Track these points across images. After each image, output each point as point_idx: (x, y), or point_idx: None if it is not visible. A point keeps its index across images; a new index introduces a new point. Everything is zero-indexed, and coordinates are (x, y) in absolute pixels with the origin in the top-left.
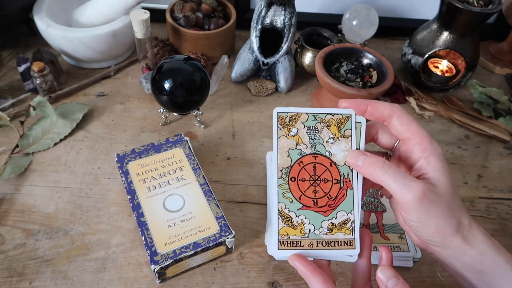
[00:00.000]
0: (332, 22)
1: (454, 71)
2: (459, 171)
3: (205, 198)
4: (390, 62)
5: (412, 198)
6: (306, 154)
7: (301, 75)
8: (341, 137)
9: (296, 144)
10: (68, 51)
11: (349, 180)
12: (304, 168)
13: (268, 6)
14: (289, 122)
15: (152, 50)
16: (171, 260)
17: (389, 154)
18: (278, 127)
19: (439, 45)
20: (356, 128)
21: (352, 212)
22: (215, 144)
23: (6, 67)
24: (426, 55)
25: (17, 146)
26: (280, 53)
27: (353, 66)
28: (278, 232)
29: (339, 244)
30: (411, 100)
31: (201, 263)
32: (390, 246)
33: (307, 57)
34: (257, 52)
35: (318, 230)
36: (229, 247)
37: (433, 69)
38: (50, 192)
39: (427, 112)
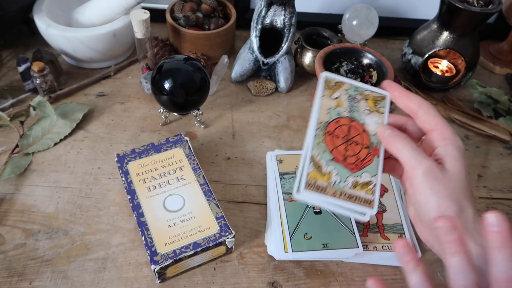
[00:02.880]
0: (332, 22)
1: (454, 71)
2: None
3: (205, 198)
4: (390, 62)
5: (420, 171)
6: (344, 116)
7: (301, 75)
8: (375, 111)
9: (337, 106)
10: (68, 51)
11: (377, 149)
12: (340, 127)
13: (268, 6)
14: (334, 86)
15: (152, 50)
16: (171, 260)
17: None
18: (324, 87)
19: (439, 45)
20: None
21: (376, 176)
22: (215, 144)
23: (6, 67)
24: (426, 55)
25: (17, 146)
26: (280, 53)
27: (353, 66)
28: (307, 174)
29: (360, 201)
30: None
31: (201, 263)
32: (390, 246)
33: (307, 57)
34: (257, 52)
35: (343, 182)
36: (229, 247)
37: (433, 69)
38: (50, 192)
39: None
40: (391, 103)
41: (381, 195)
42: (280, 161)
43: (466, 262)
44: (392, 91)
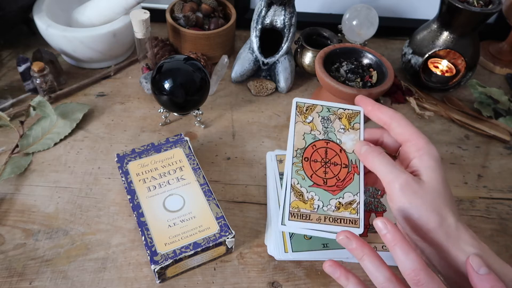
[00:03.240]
0: (332, 22)
1: (454, 71)
2: (459, 171)
3: (205, 198)
4: (390, 62)
5: (397, 185)
6: (319, 139)
7: (301, 75)
8: (350, 128)
9: (311, 130)
10: (68, 51)
11: (357, 166)
12: (317, 151)
13: (268, 6)
14: (305, 110)
15: (152, 50)
16: (171, 260)
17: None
18: (296, 114)
19: (439, 45)
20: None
21: (358, 194)
22: (215, 144)
23: (6, 67)
24: (426, 55)
25: (17, 146)
26: (280, 53)
27: (353, 66)
28: (290, 204)
29: (345, 222)
30: (411, 100)
31: (201, 263)
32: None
33: (307, 57)
34: (257, 52)
35: (326, 206)
36: (229, 247)
37: (433, 69)
38: (50, 192)
39: (427, 112)
40: (365, 117)
41: (381, 195)
42: (280, 161)
43: (376, 260)
44: (365, 105)
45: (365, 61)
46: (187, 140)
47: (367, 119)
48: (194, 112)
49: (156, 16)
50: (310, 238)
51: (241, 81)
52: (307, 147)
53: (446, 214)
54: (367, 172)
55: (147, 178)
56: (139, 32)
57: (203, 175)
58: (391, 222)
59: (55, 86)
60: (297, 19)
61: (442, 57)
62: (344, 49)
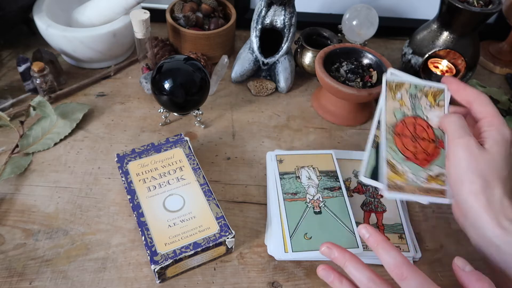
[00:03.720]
0: (332, 22)
1: (454, 71)
2: None
3: (205, 198)
4: (390, 62)
5: (459, 144)
6: (408, 116)
7: (301, 75)
8: (436, 105)
9: (400, 106)
10: (68, 51)
11: (442, 141)
12: (407, 127)
13: (268, 6)
14: (395, 87)
15: (152, 50)
16: (171, 260)
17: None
18: (386, 90)
19: (439, 45)
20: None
21: (445, 167)
22: (215, 144)
23: (6, 67)
24: (426, 55)
25: (17, 146)
26: (280, 53)
27: (353, 66)
28: (387, 177)
29: (435, 193)
30: None
31: (201, 263)
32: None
33: (307, 57)
34: (257, 52)
35: (419, 179)
36: (229, 247)
37: (433, 69)
38: (50, 192)
39: None
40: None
41: (381, 195)
42: (280, 161)
43: (357, 263)
44: (450, 83)
45: (365, 61)
46: (187, 140)
47: (452, 99)
48: (194, 112)
49: (156, 16)
50: (310, 238)
51: (241, 81)
52: (398, 123)
53: (494, 184)
54: None
55: (147, 178)
56: (139, 32)
57: (203, 175)
58: (371, 227)
59: (55, 86)
60: (297, 19)
61: (442, 57)
62: (344, 49)
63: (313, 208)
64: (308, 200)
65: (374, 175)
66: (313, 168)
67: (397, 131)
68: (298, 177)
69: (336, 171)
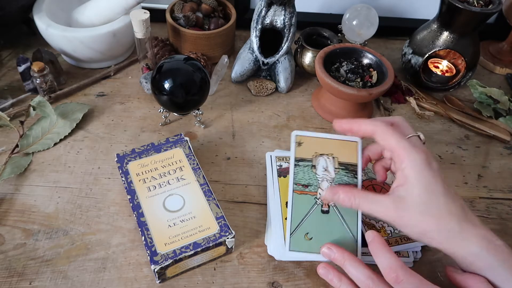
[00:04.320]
0: (332, 22)
1: (454, 71)
2: (459, 171)
3: (205, 198)
4: (390, 62)
5: (389, 214)
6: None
7: (301, 75)
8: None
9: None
10: (68, 51)
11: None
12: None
13: (268, 6)
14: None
15: (152, 50)
16: (171, 260)
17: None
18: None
19: (439, 45)
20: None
21: None
22: (215, 144)
23: (6, 67)
24: (426, 55)
25: (17, 146)
26: (280, 53)
27: (353, 66)
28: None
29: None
30: (411, 100)
31: (201, 263)
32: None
33: (307, 57)
34: (257, 52)
35: (397, 229)
36: (229, 247)
37: (433, 69)
38: (50, 192)
39: (427, 112)
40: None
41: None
42: (299, 144)
43: (355, 262)
44: (341, 129)
45: (365, 61)
46: (187, 140)
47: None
48: (194, 112)
49: (156, 16)
50: (311, 239)
51: (241, 81)
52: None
53: (446, 218)
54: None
55: (147, 178)
56: (139, 32)
57: (203, 175)
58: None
59: (55, 86)
60: (297, 19)
61: (442, 57)
62: (344, 49)
63: (322, 206)
64: (318, 196)
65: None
66: (333, 158)
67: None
68: (314, 166)
69: (357, 165)
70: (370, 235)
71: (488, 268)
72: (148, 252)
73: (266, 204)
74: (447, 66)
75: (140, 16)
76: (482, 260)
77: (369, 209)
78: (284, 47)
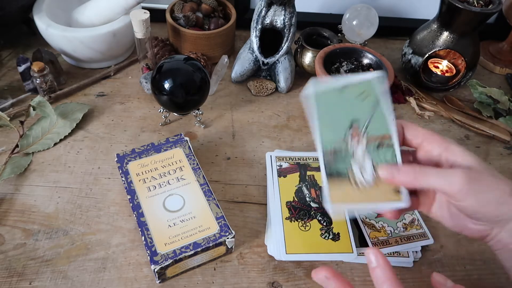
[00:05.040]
0: (332, 22)
1: (454, 71)
2: None
3: (205, 198)
4: (390, 62)
5: (461, 183)
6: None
7: (301, 75)
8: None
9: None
10: (68, 51)
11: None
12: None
13: (268, 6)
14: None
15: (152, 50)
16: (171, 260)
17: (410, 151)
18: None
19: (439, 45)
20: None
21: (415, 211)
22: (215, 144)
23: (6, 67)
24: (426, 55)
25: (17, 146)
26: (280, 53)
27: (353, 66)
28: (368, 236)
29: (416, 237)
30: (411, 100)
31: (201, 263)
32: (390, 251)
33: (307, 57)
34: (257, 52)
35: (397, 230)
36: (229, 247)
37: (433, 69)
38: (50, 192)
39: (427, 112)
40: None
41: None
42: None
43: (386, 267)
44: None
45: (365, 61)
46: (187, 140)
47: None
48: (194, 112)
49: (156, 16)
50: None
51: (241, 81)
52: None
53: (509, 183)
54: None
55: (147, 178)
56: (139, 32)
57: (203, 175)
58: (382, 256)
59: (55, 86)
60: (297, 19)
61: (442, 57)
62: (344, 49)
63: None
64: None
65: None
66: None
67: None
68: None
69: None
70: (373, 258)
71: None
72: (148, 252)
73: (266, 204)
74: (447, 66)
75: (140, 16)
76: None
77: (439, 184)
78: (284, 47)
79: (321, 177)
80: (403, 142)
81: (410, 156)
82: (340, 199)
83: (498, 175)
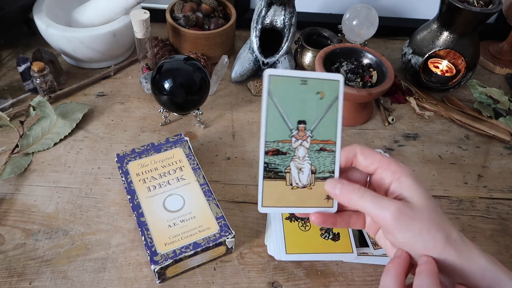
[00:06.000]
0: (332, 22)
1: (454, 71)
2: (459, 171)
3: (205, 198)
4: (390, 62)
5: (390, 216)
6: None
7: None
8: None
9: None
10: (68, 51)
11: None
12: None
13: (268, 6)
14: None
15: (152, 50)
16: (171, 260)
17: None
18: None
19: (439, 45)
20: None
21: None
22: (215, 144)
23: (6, 67)
24: (426, 55)
25: (17, 146)
26: (280, 53)
27: (353, 66)
28: (369, 236)
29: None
30: (411, 100)
31: (201, 263)
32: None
33: (307, 57)
34: (257, 52)
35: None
36: (229, 247)
37: (433, 69)
38: (50, 192)
39: (427, 112)
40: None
41: None
42: None
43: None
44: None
45: (365, 61)
46: (187, 140)
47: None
48: (194, 112)
49: (156, 16)
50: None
51: (241, 81)
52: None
53: (448, 229)
54: (339, 211)
55: (147, 178)
56: (139, 32)
57: (203, 175)
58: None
59: (55, 86)
60: (297, 19)
61: (442, 57)
62: (344, 49)
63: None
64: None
65: None
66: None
67: None
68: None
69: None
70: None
71: (497, 284)
72: (148, 252)
73: None
74: (447, 66)
75: (140, 16)
76: (492, 275)
77: (372, 211)
78: (284, 47)
79: (258, 176)
80: (356, 165)
81: (366, 175)
82: (272, 202)
83: (436, 219)
